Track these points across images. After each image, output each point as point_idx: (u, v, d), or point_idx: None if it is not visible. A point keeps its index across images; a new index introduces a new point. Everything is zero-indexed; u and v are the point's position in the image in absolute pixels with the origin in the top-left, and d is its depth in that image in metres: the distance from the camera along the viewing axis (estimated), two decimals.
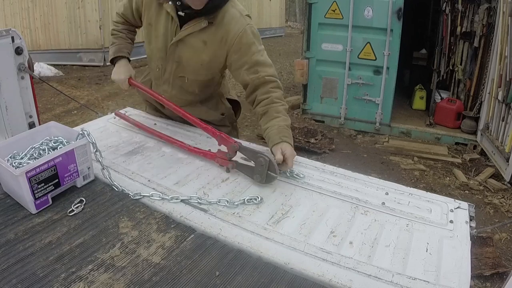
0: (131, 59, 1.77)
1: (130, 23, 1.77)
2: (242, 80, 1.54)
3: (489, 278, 2.38)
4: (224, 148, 1.44)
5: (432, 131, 4.53)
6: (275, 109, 1.47)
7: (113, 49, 1.72)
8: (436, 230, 1.14)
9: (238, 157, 1.45)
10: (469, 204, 1.25)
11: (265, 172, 1.33)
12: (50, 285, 0.92)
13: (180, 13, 1.48)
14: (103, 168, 1.33)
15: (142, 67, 7.50)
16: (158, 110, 1.88)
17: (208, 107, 1.77)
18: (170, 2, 1.48)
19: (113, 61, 1.73)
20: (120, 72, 1.70)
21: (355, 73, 4.53)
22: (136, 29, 1.83)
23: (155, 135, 1.66)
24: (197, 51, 1.53)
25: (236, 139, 1.46)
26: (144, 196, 1.27)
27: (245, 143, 1.49)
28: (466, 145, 4.36)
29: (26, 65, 1.69)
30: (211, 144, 1.61)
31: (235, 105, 1.92)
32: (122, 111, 1.96)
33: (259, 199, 1.25)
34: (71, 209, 1.19)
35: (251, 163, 1.39)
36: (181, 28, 1.51)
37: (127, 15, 1.73)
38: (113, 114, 1.95)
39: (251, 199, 1.25)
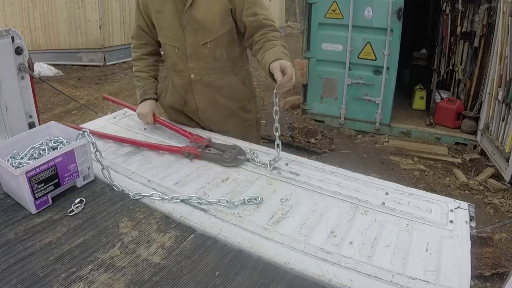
0: (157, 98, 1.83)
1: (148, 43, 1.80)
2: (242, 23, 1.60)
3: (489, 278, 2.38)
4: (194, 144, 1.56)
5: (432, 131, 4.53)
6: (271, 43, 1.51)
7: (139, 93, 1.79)
8: (436, 230, 1.14)
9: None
10: (469, 204, 1.25)
11: (235, 155, 1.47)
12: (50, 285, 0.92)
13: None
14: (103, 168, 1.33)
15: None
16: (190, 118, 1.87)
17: (239, 80, 1.77)
18: None
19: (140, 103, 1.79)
20: (145, 106, 1.75)
21: (355, 73, 4.53)
22: (157, 56, 1.86)
23: (129, 143, 1.64)
24: (209, 6, 1.57)
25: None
26: (144, 196, 1.27)
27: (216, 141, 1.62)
28: (466, 145, 4.36)
29: (26, 65, 1.69)
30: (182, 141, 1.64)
31: None
32: (122, 111, 1.97)
33: (259, 199, 1.25)
34: (71, 209, 1.20)
35: (219, 152, 1.52)
36: None
37: (142, 26, 1.76)
38: (113, 114, 1.95)
39: (251, 199, 1.25)
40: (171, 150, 1.55)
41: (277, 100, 1.40)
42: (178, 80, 1.76)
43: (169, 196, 1.25)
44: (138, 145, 1.61)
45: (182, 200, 1.25)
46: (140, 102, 1.78)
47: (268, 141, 4.09)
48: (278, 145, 1.45)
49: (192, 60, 1.67)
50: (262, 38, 1.54)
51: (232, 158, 1.46)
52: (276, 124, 1.42)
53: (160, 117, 1.79)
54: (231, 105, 1.76)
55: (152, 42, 1.80)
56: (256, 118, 1.88)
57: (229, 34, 1.64)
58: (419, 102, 5.09)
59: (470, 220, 1.19)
